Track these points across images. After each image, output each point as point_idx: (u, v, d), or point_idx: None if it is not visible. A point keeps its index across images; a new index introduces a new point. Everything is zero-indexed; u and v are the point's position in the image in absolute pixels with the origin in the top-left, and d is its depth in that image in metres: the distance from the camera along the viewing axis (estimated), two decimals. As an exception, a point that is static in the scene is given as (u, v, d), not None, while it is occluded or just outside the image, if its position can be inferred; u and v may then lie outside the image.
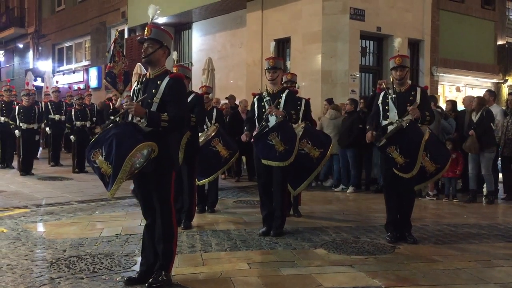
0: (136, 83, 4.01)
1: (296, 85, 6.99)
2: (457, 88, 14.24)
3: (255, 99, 5.76)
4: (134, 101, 3.78)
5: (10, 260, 4.42)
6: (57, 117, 12.33)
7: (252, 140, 5.65)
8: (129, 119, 3.83)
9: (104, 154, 3.51)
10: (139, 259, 4.49)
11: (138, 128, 3.67)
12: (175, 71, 5.94)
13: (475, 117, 8.00)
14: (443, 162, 5.47)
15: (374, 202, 7.84)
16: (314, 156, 6.11)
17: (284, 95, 5.56)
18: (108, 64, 10.39)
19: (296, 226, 6.07)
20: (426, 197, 8.34)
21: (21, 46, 25.98)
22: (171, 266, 3.91)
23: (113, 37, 19.51)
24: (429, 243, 5.32)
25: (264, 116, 5.51)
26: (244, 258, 4.62)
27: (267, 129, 5.45)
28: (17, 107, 10.72)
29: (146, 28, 3.93)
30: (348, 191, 9.02)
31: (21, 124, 10.52)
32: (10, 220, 6.15)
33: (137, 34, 16.51)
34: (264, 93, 5.65)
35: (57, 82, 16.23)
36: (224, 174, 9.91)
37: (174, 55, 6.63)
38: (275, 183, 5.57)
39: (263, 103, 5.61)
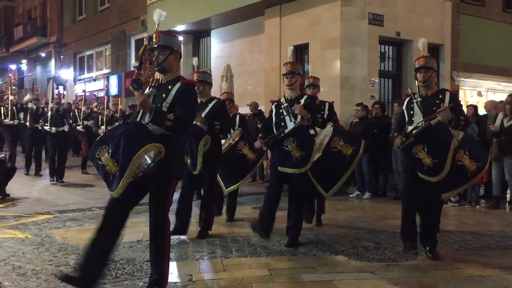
0: (148, 87, 4.00)
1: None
2: (478, 93, 14.05)
3: (273, 106, 5.63)
4: None
5: (34, 265, 4.50)
6: (84, 123, 12.68)
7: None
8: (138, 119, 3.80)
9: (110, 151, 3.41)
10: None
11: (147, 130, 3.62)
12: (195, 78, 5.91)
13: (507, 123, 7.82)
14: (483, 160, 5.09)
15: (393, 208, 7.76)
16: (347, 153, 5.84)
17: (302, 100, 5.42)
18: (136, 71, 10.47)
19: (316, 232, 6.05)
20: (448, 203, 8.23)
21: (43, 55, 26.53)
22: (165, 281, 3.74)
23: (133, 45, 19.91)
24: (452, 250, 5.24)
25: (291, 110, 5.36)
26: (264, 265, 4.62)
27: (283, 134, 5.32)
28: (49, 113, 10.79)
29: (154, 35, 3.89)
30: (364, 197, 8.96)
31: (52, 129, 10.56)
32: (34, 226, 6.26)
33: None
34: (282, 100, 5.51)
35: (83, 91, 16.49)
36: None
37: (194, 61, 6.61)
38: (292, 194, 5.39)
39: (281, 110, 5.48)
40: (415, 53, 10.80)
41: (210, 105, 5.71)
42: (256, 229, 5.42)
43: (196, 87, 5.82)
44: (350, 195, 9.18)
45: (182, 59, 6.39)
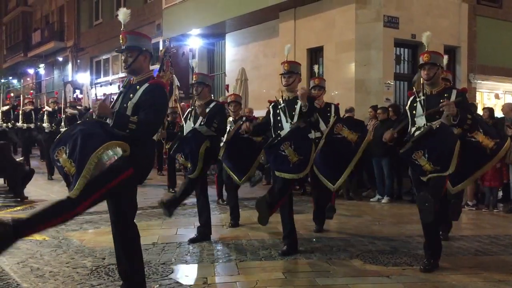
0: (121, 87, 3.84)
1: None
2: (495, 95, 13.89)
3: (271, 106, 5.38)
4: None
5: (52, 267, 4.56)
6: None
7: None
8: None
9: (68, 151, 3.20)
10: (176, 267, 4.59)
11: (108, 128, 3.38)
12: (194, 79, 5.77)
13: None
14: (501, 138, 4.67)
15: (410, 212, 7.69)
16: (352, 140, 5.48)
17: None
18: (157, 73, 10.48)
19: (331, 236, 6.03)
20: (465, 207, 8.14)
21: (60, 59, 26.93)
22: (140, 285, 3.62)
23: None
24: (469, 254, 5.18)
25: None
26: (279, 268, 4.62)
27: (279, 138, 5.06)
28: (63, 116, 10.93)
29: (121, 37, 3.69)
30: (383, 201, 8.90)
31: None
32: (51, 228, 6.32)
33: (171, 46, 16.83)
34: (280, 100, 5.27)
35: (105, 94, 16.68)
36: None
37: (194, 63, 6.54)
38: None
39: (278, 111, 5.24)
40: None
41: (208, 108, 5.57)
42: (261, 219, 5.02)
43: (194, 89, 5.69)
44: (371, 199, 9.11)
45: (197, 63, 6.42)
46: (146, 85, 3.60)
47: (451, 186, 4.82)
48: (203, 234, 5.66)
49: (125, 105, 3.59)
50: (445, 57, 5.45)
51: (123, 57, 3.70)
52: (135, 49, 3.67)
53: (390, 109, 9.38)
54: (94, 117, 3.62)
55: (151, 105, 3.51)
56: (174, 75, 13.48)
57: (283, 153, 4.96)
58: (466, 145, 4.52)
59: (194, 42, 15.97)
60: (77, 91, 21.52)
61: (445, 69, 5.55)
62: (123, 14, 3.78)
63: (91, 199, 3.30)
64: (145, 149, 3.59)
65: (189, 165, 5.60)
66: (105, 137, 3.23)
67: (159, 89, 3.64)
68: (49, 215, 3.32)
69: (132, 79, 3.78)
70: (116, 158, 3.22)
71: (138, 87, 3.62)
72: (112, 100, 3.88)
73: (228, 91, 8.42)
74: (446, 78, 5.50)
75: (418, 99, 4.56)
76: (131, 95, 3.62)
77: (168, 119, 10.13)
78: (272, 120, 5.32)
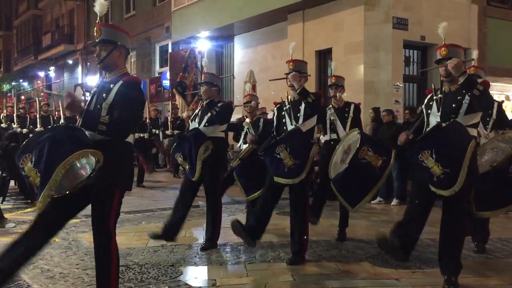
0: (94, 86, 3.62)
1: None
2: (506, 97, 13.77)
3: (276, 108, 5.20)
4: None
5: (62, 269, 4.60)
6: None
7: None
8: (76, 123, 3.42)
9: (34, 160, 2.96)
10: (184, 269, 4.60)
11: (80, 134, 3.13)
12: (203, 79, 5.65)
13: None
14: None
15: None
16: (376, 165, 5.13)
17: (303, 102, 4.86)
18: (181, 74, 10.38)
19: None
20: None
21: (70, 62, 27.17)
22: None
23: (157, 52, 20.22)
24: (480, 257, 5.13)
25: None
26: (288, 270, 4.61)
27: (275, 140, 4.84)
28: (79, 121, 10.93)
29: (95, 29, 3.43)
30: (392, 204, 8.86)
31: None
32: (61, 229, 6.37)
33: (180, 48, 16.92)
34: (285, 102, 5.07)
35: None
36: None
37: (203, 62, 6.45)
38: (292, 207, 4.93)
39: (283, 113, 5.06)
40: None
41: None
42: (239, 233, 4.89)
43: (201, 88, 5.51)
44: (372, 202, 9.04)
45: (206, 66, 6.42)
46: (120, 82, 3.35)
47: (475, 210, 4.69)
48: (210, 244, 5.45)
49: (98, 106, 3.35)
50: (475, 52, 5.26)
51: (96, 51, 3.45)
52: (109, 43, 3.41)
53: (407, 111, 9.29)
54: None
55: (125, 102, 3.28)
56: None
57: (278, 156, 4.75)
58: (505, 179, 4.47)
59: (202, 45, 16.04)
60: (87, 94, 21.66)
61: (476, 65, 5.34)
62: (100, 5, 3.48)
63: (112, 230, 3.36)
64: (122, 150, 3.37)
65: (187, 166, 5.41)
66: (75, 145, 2.99)
67: (134, 85, 3.42)
68: (105, 277, 3.32)
69: (105, 77, 3.53)
70: (87, 168, 3.03)
71: (112, 85, 3.37)
72: (86, 100, 3.74)
73: (252, 90, 7.98)
74: (476, 75, 5.07)
75: (435, 97, 4.18)
76: (104, 95, 3.36)
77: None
78: (275, 122, 5.16)
